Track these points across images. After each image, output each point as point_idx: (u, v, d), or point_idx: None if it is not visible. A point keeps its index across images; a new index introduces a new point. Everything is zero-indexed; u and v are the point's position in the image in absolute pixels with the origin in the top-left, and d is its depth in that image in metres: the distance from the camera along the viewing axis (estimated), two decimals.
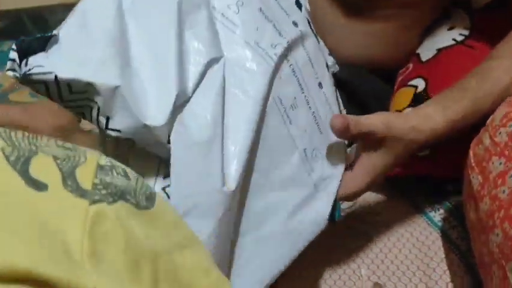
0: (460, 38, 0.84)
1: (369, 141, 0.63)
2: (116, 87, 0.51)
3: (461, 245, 0.77)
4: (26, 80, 0.50)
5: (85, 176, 0.36)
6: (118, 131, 0.53)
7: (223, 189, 0.53)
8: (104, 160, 0.39)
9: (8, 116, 1.05)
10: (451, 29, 0.86)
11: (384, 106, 0.84)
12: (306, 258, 0.65)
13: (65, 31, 0.53)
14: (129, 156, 0.58)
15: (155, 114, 0.52)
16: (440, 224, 0.81)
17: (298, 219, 0.61)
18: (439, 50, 0.83)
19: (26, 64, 0.50)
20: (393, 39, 0.85)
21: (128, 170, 0.41)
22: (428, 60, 0.84)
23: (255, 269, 0.58)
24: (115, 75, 0.51)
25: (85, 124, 1.06)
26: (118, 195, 0.37)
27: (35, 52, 0.50)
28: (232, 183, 0.54)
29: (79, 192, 0.35)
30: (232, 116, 0.56)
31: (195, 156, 0.54)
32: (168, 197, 0.54)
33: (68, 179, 0.35)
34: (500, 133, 0.61)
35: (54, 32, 0.52)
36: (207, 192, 0.53)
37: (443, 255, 0.76)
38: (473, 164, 0.64)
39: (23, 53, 0.50)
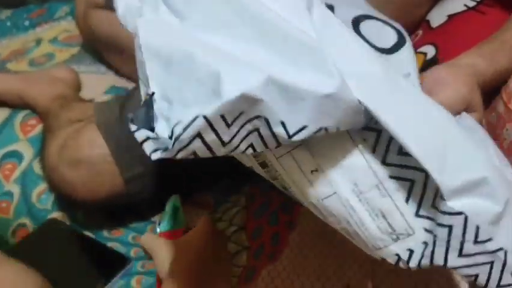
0: (471, 4, 0.81)
1: None
2: (268, 78, 0.40)
3: None
4: (180, 145, 0.39)
5: None
6: (304, 128, 0.41)
7: None
8: None
9: (6, 84, 1.03)
10: None
11: None
12: None
13: (156, 83, 0.42)
14: (317, 160, 0.46)
15: (324, 78, 0.41)
16: None
17: None
18: (450, 16, 0.81)
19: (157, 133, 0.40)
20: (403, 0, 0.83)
21: None
22: (438, 27, 0.81)
23: None
24: (248, 70, 0.40)
25: (85, 93, 1.06)
26: None
27: (152, 121, 0.41)
28: None
29: None
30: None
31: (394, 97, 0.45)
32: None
33: None
34: None
35: (150, 90, 0.42)
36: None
37: None
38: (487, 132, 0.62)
39: (145, 125, 0.40)
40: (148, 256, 0.65)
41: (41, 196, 0.88)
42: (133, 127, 0.41)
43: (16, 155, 0.95)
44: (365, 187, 0.45)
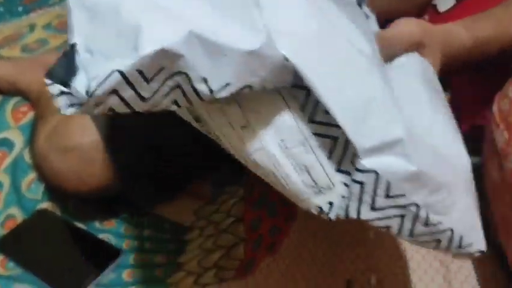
0: None
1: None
2: (190, 32, 0.39)
3: None
4: (95, 101, 0.38)
5: None
6: (227, 85, 0.41)
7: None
8: None
9: None
10: None
11: None
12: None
13: (79, 33, 0.41)
14: (248, 117, 0.47)
15: (249, 34, 0.41)
16: None
17: None
18: (459, 0, 0.79)
19: (71, 89, 0.39)
20: None
21: None
22: (446, 11, 0.80)
23: None
24: (170, 23, 0.39)
25: None
26: None
27: (72, 73, 0.39)
28: None
29: None
30: None
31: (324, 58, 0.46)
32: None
33: None
34: None
35: (73, 40, 0.41)
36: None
37: None
38: (498, 120, 0.60)
39: (63, 80, 0.39)
40: None
41: (31, 186, 0.86)
42: (47, 81, 0.39)
43: (7, 143, 0.93)
44: (291, 143, 0.47)
